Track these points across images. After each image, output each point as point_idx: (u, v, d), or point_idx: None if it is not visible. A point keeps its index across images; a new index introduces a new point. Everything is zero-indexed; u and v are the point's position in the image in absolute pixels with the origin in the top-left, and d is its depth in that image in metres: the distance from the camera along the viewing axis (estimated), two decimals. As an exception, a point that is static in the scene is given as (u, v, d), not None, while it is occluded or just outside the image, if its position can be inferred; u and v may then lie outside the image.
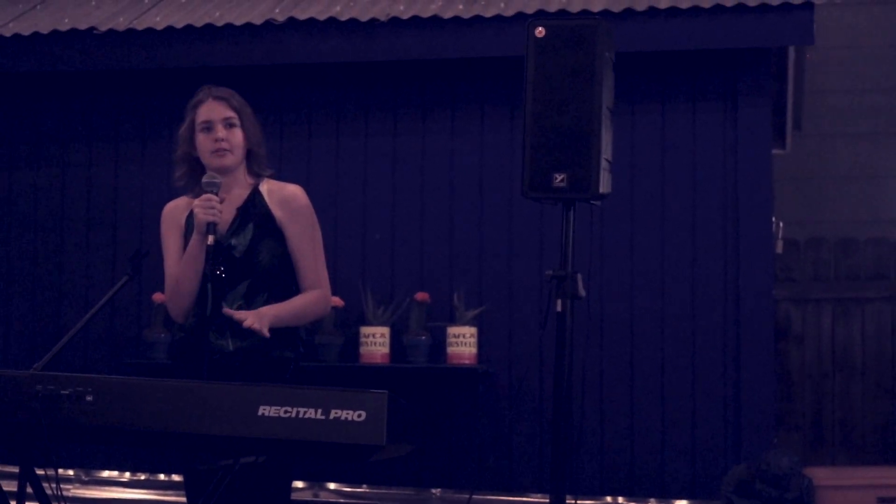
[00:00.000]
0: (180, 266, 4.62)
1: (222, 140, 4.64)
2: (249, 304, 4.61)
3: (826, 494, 7.29)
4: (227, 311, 4.51)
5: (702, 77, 7.05)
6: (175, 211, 4.79)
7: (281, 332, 4.62)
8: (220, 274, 4.59)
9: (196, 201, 4.56)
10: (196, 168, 4.72)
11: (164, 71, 7.33)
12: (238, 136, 4.68)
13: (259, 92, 7.31)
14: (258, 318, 4.48)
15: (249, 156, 4.74)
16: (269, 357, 4.61)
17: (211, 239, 4.47)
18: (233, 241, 4.63)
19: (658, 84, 7.09)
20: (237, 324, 4.57)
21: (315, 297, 4.70)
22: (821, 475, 7.28)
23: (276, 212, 4.69)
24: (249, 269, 4.61)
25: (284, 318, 4.61)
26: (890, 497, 7.40)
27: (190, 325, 4.67)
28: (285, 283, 4.68)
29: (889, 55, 9.87)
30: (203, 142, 4.66)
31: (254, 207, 4.68)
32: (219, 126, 4.65)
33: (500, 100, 7.18)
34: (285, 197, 4.72)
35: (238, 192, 4.71)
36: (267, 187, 4.74)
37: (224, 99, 4.71)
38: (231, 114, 4.69)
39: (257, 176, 4.75)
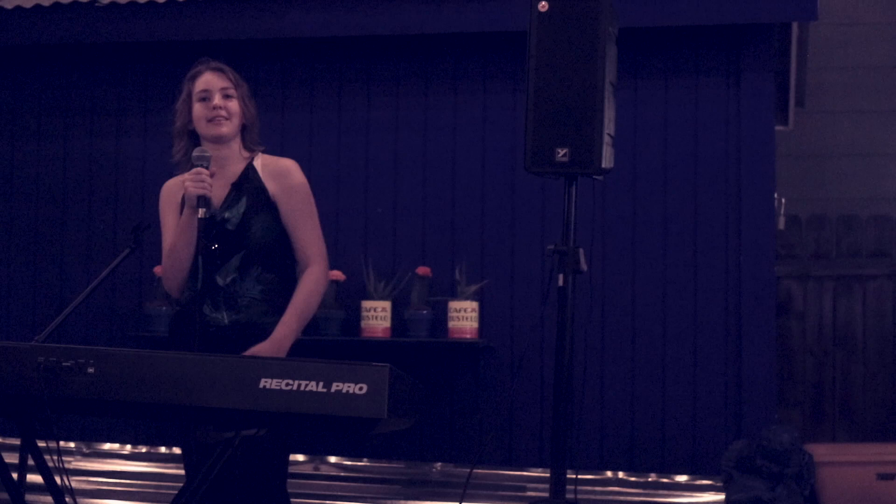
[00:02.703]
0: (173, 240, 4.64)
1: (220, 108, 4.67)
2: (243, 277, 4.63)
3: (826, 470, 7.31)
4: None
5: (705, 52, 7.03)
6: (173, 189, 4.82)
7: (278, 303, 4.63)
8: (214, 248, 4.60)
9: (186, 175, 4.58)
10: (193, 142, 4.74)
11: (167, 43, 7.32)
12: (235, 106, 4.72)
13: (261, 65, 7.30)
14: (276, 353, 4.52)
15: (244, 131, 4.77)
16: (265, 330, 4.63)
17: (201, 212, 4.49)
18: (226, 215, 4.65)
19: (661, 59, 7.08)
20: (232, 297, 4.59)
21: (310, 286, 4.70)
22: (821, 451, 7.29)
23: (270, 186, 4.71)
24: (242, 242, 4.63)
25: (295, 330, 4.63)
26: (890, 473, 7.41)
27: (186, 299, 4.69)
28: (278, 256, 4.70)
29: (891, 33, 9.84)
30: (200, 110, 4.69)
31: (248, 182, 4.70)
32: (216, 95, 4.69)
33: (503, 74, 7.17)
34: (279, 171, 4.74)
35: (233, 167, 4.73)
36: (261, 161, 4.77)
37: (221, 70, 4.76)
38: (228, 84, 4.73)
39: (252, 151, 4.77)
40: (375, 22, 7.07)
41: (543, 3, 4.51)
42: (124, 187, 7.47)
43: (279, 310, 4.64)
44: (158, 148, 7.30)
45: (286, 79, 7.36)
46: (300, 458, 7.00)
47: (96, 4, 7.26)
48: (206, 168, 4.56)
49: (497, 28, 6.95)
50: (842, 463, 7.46)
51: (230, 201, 4.68)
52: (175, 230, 4.67)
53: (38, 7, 7.31)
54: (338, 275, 6.93)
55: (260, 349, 4.54)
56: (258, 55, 7.26)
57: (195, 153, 4.60)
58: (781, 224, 7.63)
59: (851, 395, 8.72)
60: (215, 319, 4.63)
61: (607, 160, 4.53)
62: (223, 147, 4.72)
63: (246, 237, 4.64)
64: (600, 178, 4.60)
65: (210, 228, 4.60)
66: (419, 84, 7.27)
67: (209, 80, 4.74)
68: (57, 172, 7.58)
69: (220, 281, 4.64)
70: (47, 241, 7.54)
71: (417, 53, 7.28)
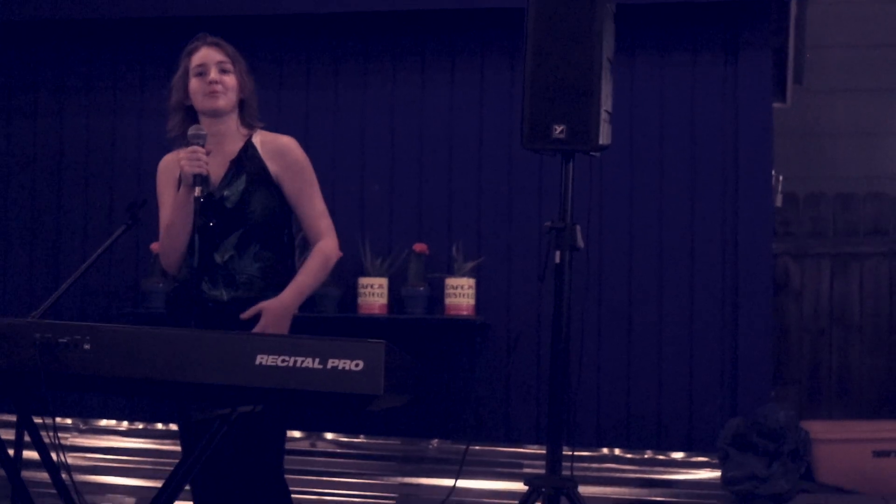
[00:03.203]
0: (170, 217, 4.63)
1: (216, 82, 4.65)
2: (241, 255, 4.61)
3: (822, 448, 7.32)
4: (244, 316, 4.52)
5: (702, 29, 7.02)
6: (170, 164, 4.79)
7: (276, 281, 4.62)
8: (211, 225, 4.59)
9: (182, 153, 4.56)
10: (189, 117, 4.73)
11: (163, 20, 7.30)
12: (232, 80, 4.70)
13: (258, 42, 7.29)
14: (274, 320, 4.51)
15: (242, 107, 4.75)
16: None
17: (198, 191, 4.47)
18: (225, 193, 4.64)
19: (658, 35, 7.06)
20: (230, 273, 4.59)
21: (317, 261, 4.70)
22: (817, 428, 7.30)
23: (271, 164, 4.69)
24: (241, 219, 4.62)
25: (300, 298, 4.62)
26: (885, 450, 7.43)
27: (183, 277, 4.68)
28: (276, 234, 4.69)
29: (890, 10, 9.82)
30: (196, 85, 4.67)
31: (247, 159, 4.68)
32: (213, 69, 4.67)
33: (500, 51, 7.15)
34: (279, 149, 4.72)
35: (231, 144, 4.71)
36: (260, 139, 4.75)
37: (218, 45, 4.74)
38: (225, 58, 4.71)
39: (250, 127, 4.76)
40: (372, -2, 7.06)
41: (541, -21, 4.50)
42: (120, 165, 7.46)
43: (278, 287, 4.64)
44: (154, 125, 7.28)
45: (282, 56, 7.34)
46: (297, 434, 7.00)
47: (92, -20, 7.25)
48: (202, 146, 4.54)
49: (494, 4, 6.94)
50: (838, 440, 7.47)
51: (229, 179, 4.67)
52: (172, 208, 4.65)
53: (33, -17, 7.30)
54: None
55: (268, 306, 4.53)
56: (254, 32, 7.25)
57: (191, 131, 4.58)
58: (779, 202, 7.62)
59: (848, 372, 8.73)
60: (214, 296, 4.62)
61: (604, 137, 4.52)
62: (220, 122, 4.70)
63: (245, 215, 4.63)
64: (597, 154, 4.59)
65: (208, 206, 4.59)
66: (416, 61, 7.26)
67: (206, 55, 4.72)
68: (53, 150, 7.57)
69: (217, 258, 4.62)
70: (44, 219, 7.53)
71: (414, 30, 7.26)
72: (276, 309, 4.56)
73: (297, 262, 4.78)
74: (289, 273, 4.70)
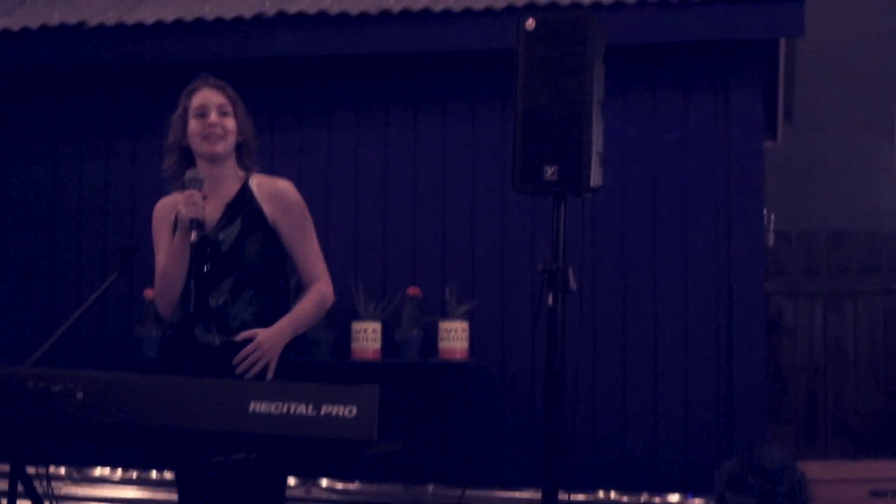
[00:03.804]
0: (166, 262, 4.62)
1: (216, 125, 4.64)
2: (235, 299, 4.60)
3: (819, 488, 7.28)
4: (239, 337, 4.53)
5: (693, 69, 7.03)
6: (166, 208, 4.79)
7: (269, 327, 4.61)
8: (206, 270, 4.58)
9: (179, 197, 4.55)
10: (185, 157, 4.72)
11: (155, 65, 7.31)
12: (231, 123, 4.69)
13: (250, 86, 7.24)
14: (269, 353, 4.51)
15: (240, 149, 4.74)
16: (256, 351, 4.60)
17: (194, 235, 4.47)
18: (220, 236, 4.63)
19: (649, 76, 7.08)
20: (224, 318, 4.57)
21: (315, 297, 4.70)
22: (814, 469, 7.26)
23: (267, 208, 4.68)
24: (235, 263, 4.61)
25: (293, 332, 4.62)
26: (883, 490, 7.40)
27: (177, 322, 4.66)
28: (271, 278, 4.68)
29: (880, 47, 9.86)
30: (196, 126, 4.66)
31: (243, 203, 4.67)
32: (213, 112, 4.66)
33: (492, 92, 7.17)
34: (276, 192, 4.71)
35: (227, 187, 4.70)
36: (257, 182, 4.74)
37: (219, 87, 4.73)
38: (225, 101, 4.70)
39: (247, 170, 4.75)
40: (364, 41, 7.07)
41: (531, 20, 4.51)
42: (113, 210, 7.45)
43: (271, 332, 4.63)
44: (147, 170, 7.29)
45: (274, 99, 7.35)
46: (292, 481, 6.97)
47: (84, 27, 7.25)
48: (199, 190, 4.53)
49: (485, 47, 6.96)
50: (835, 480, 7.44)
51: (224, 222, 4.66)
52: (168, 252, 4.64)
53: (25, 29, 7.30)
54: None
55: (261, 331, 4.52)
56: (247, 75, 7.25)
57: (188, 175, 4.57)
58: (771, 241, 7.62)
59: (844, 411, 8.71)
60: (206, 341, 4.61)
61: (596, 178, 4.52)
62: (217, 165, 4.70)
63: (239, 259, 4.62)
64: (589, 196, 4.59)
65: (203, 249, 4.57)
66: (408, 103, 7.27)
67: (207, 96, 4.71)
68: (46, 195, 7.56)
69: (212, 302, 4.62)
70: (36, 265, 7.52)
71: (406, 72, 7.27)
72: (270, 333, 4.55)
73: (292, 306, 4.77)
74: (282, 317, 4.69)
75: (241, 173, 4.74)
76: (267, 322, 4.61)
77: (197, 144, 4.67)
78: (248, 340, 4.57)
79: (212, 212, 4.65)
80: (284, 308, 4.73)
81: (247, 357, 4.52)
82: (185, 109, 4.72)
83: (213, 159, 4.67)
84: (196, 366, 4.50)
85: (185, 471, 4.54)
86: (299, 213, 4.73)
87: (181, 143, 4.73)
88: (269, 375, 4.52)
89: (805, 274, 8.89)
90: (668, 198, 7.00)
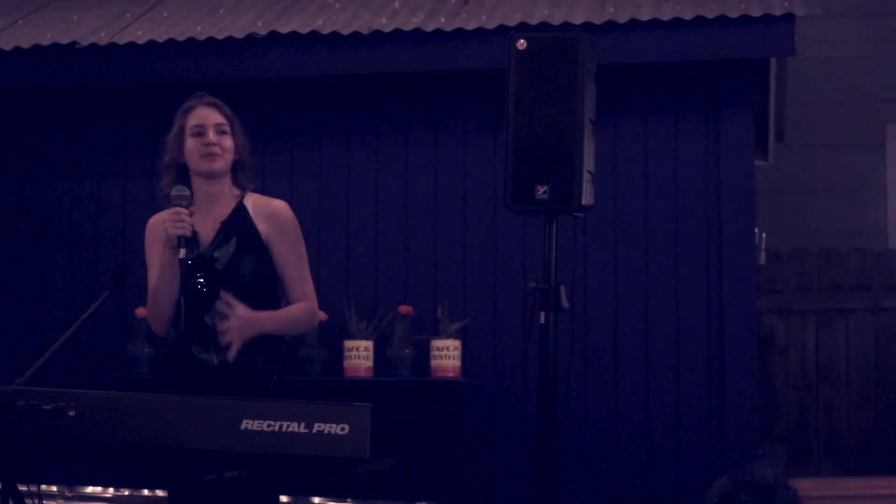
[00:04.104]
0: (156, 279, 4.61)
1: (213, 144, 4.63)
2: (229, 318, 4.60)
3: (811, 505, 7.29)
4: (225, 300, 4.51)
5: (684, 88, 7.06)
6: (158, 225, 4.77)
7: (265, 346, 4.61)
8: (201, 288, 4.58)
9: (166, 215, 4.55)
10: (182, 176, 4.71)
11: (147, 85, 7.32)
12: (229, 142, 4.68)
13: (241, 106, 7.23)
14: (240, 332, 4.49)
15: (236, 167, 4.74)
16: (253, 370, 4.60)
17: (183, 252, 4.47)
18: (215, 255, 4.63)
19: (640, 95, 7.10)
20: (220, 337, 4.57)
21: (303, 308, 4.70)
22: (805, 486, 7.28)
23: (262, 227, 4.68)
24: (230, 282, 4.60)
25: (271, 327, 4.60)
26: (875, 507, 7.40)
27: (172, 340, 4.66)
28: (266, 297, 4.67)
29: (870, 65, 9.89)
30: (193, 145, 4.65)
31: (238, 221, 4.67)
32: (210, 131, 4.65)
33: (483, 112, 7.18)
34: (271, 212, 4.71)
35: (223, 205, 4.70)
36: (252, 201, 4.74)
37: (216, 106, 4.72)
38: (223, 120, 4.69)
39: (242, 189, 4.75)
40: (355, 62, 7.08)
41: (522, 41, 4.53)
42: (105, 229, 7.45)
43: (266, 352, 4.62)
44: (139, 189, 7.30)
45: (266, 119, 7.36)
46: (284, 499, 6.96)
47: (76, 46, 7.26)
48: (185, 207, 4.53)
49: (477, 66, 6.97)
50: (827, 498, 7.44)
51: (219, 241, 4.65)
52: (158, 269, 4.64)
53: (17, 49, 7.31)
54: (320, 315, 6.92)
55: (225, 325, 4.51)
56: (238, 95, 7.25)
57: (174, 192, 4.57)
58: (762, 259, 7.63)
59: (836, 429, 8.71)
60: (203, 359, 4.60)
61: (587, 197, 4.54)
62: (213, 184, 4.69)
63: (235, 277, 4.62)
64: (581, 215, 4.60)
65: (198, 267, 4.58)
66: (400, 122, 7.28)
67: (204, 115, 4.69)
68: (37, 213, 7.56)
69: (208, 321, 4.61)
70: (28, 283, 7.51)
71: (398, 92, 7.29)
72: (246, 317, 4.53)
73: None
74: (278, 337, 4.69)
75: (236, 192, 4.74)
76: (262, 342, 4.61)
77: (195, 163, 4.67)
78: (245, 368, 4.56)
79: (206, 229, 4.65)
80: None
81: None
82: (182, 128, 4.71)
83: (211, 177, 4.67)
84: (193, 384, 4.50)
85: (178, 489, 4.53)
86: (293, 233, 4.73)
87: (178, 162, 4.72)
88: (231, 354, 4.50)
89: (797, 292, 8.89)
90: (660, 216, 7.01)
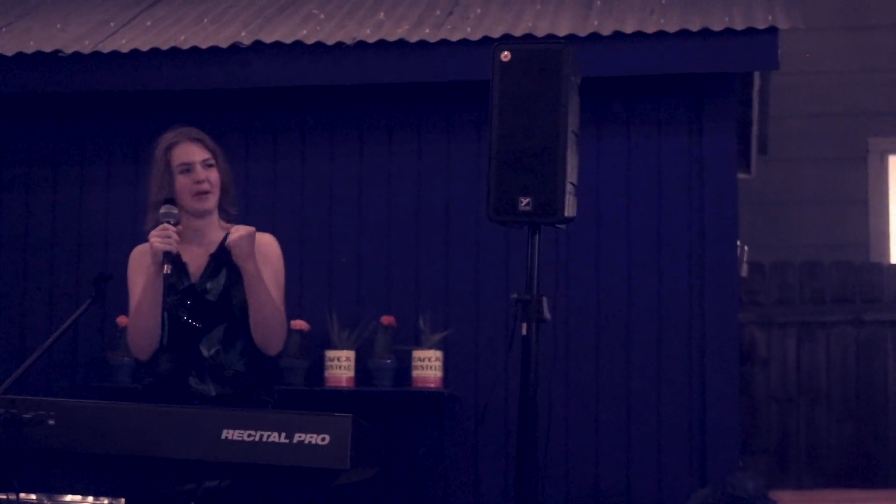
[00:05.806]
0: (139, 297, 4.58)
1: (204, 181, 4.63)
2: (227, 349, 4.59)
3: (791, 518, 7.31)
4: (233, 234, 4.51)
5: (667, 101, 7.07)
6: (143, 255, 4.75)
7: (261, 377, 4.62)
8: (194, 324, 4.58)
9: (152, 231, 4.53)
10: None
11: (130, 94, 7.31)
12: (215, 175, 4.67)
13: (225, 114, 7.30)
14: (248, 242, 4.48)
15: (221, 195, 4.74)
16: (250, 401, 4.59)
17: (167, 268, 4.45)
18: (207, 286, 4.62)
19: (623, 108, 7.11)
20: (218, 368, 4.55)
21: (282, 312, 4.70)
22: (786, 498, 7.29)
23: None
24: (225, 313, 4.60)
25: (258, 275, 4.54)
26: (854, 520, 7.42)
27: (166, 371, 4.62)
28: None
29: (853, 79, 9.92)
30: (184, 183, 4.63)
31: (227, 253, 4.64)
32: (198, 167, 4.63)
33: (467, 123, 7.19)
34: (258, 244, 4.69)
35: (211, 236, 4.70)
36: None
37: (199, 140, 4.69)
38: (208, 155, 4.67)
39: (228, 217, 4.74)
40: (339, 72, 7.08)
41: (506, 52, 4.53)
42: (86, 238, 7.43)
43: (263, 384, 4.63)
44: (121, 197, 7.28)
45: (249, 129, 7.36)
46: (264, 508, 6.95)
47: (59, 54, 7.25)
48: (173, 224, 4.52)
49: (460, 77, 6.98)
50: (807, 510, 7.46)
51: (210, 272, 4.65)
52: (141, 287, 4.62)
53: (0, 56, 7.29)
54: (302, 324, 6.92)
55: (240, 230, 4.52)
56: (220, 105, 7.26)
57: (162, 210, 4.55)
58: (745, 272, 7.65)
59: (817, 441, 8.73)
60: (201, 391, 4.58)
61: (570, 209, 4.54)
62: (203, 218, 4.69)
63: (229, 309, 4.61)
64: (563, 226, 4.60)
65: (189, 297, 4.57)
66: (383, 133, 7.28)
67: (189, 152, 4.66)
68: (19, 222, 7.54)
69: (204, 351, 4.59)
70: (8, 292, 7.49)
71: (381, 103, 7.29)
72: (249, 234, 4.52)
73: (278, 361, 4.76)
74: (271, 369, 4.71)
75: (224, 223, 4.74)
76: (260, 371, 4.61)
77: (187, 202, 4.65)
78: (243, 400, 4.54)
79: (196, 260, 4.65)
80: (273, 359, 4.74)
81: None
82: (167, 165, 4.67)
83: (202, 215, 4.68)
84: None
85: (158, 499, 4.52)
86: (276, 264, 4.72)
87: (168, 199, 4.68)
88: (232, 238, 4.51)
89: (778, 304, 8.91)
90: (642, 228, 7.02)
